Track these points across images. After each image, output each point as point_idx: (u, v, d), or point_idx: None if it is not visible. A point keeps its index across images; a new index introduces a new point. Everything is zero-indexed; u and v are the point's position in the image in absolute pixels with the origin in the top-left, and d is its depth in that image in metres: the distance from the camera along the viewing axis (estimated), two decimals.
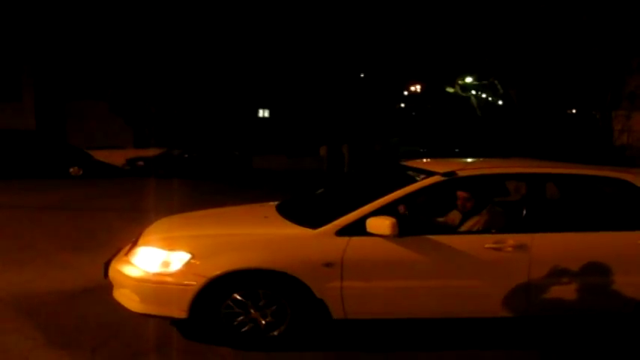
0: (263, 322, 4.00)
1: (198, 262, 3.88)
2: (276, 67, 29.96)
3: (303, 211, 4.55)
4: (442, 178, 4.20)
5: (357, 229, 3.94)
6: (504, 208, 4.44)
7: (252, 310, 3.97)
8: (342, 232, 3.95)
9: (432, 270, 3.98)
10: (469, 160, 5.06)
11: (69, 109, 26.34)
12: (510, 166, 4.57)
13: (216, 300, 3.91)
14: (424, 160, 5.27)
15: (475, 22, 19.32)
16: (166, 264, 3.93)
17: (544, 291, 4.10)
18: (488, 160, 4.86)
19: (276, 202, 5.00)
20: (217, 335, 4.00)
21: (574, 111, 26.35)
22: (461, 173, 4.25)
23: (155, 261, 3.98)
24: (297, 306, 3.96)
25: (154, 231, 4.43)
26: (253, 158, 22.95)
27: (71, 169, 18.33)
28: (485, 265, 4.02)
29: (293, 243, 3.97)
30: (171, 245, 4.01)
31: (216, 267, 3.85)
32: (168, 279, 3.89)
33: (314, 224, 4.04)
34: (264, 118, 34.85)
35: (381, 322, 4.28)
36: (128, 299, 4.05)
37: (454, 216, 4.70)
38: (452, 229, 4.49)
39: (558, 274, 4.09)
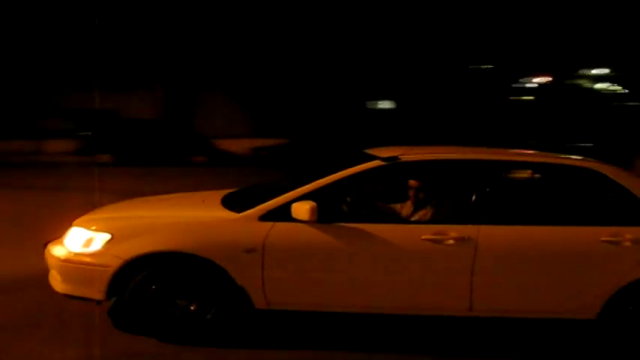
0: (192, 308, 3.81)
1: (116, 244, 3.73)
2: (396, 56, 28.65)
3: (247, 197, 4.32)
4: (382, 163, 3.87)
5: (283, 214, 3.68)
6: (456, 197, 4.04)
7: (177, 296, 3.80)
8: (266, 216, 3.71)
9: (357, 261, 3.67)
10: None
11: (197, 100, 26.66)
12: (463, 152, 4.16)
13: (137, 283, 3.76)
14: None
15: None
16: (88, 244, 3.81)
17: (490, 289, 3.70)
18: (465, 148, 4.43)
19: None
20: (145, 321, 3.85)
21: None
22: (404, 158, 3.91)
23: (79, 241, 3.87)
24: (218, 293, 3.75)
25: (92, 212, 4.34)
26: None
27: (195, 157, 18.41)
28: (421, 257, 3.66)
29: (214, 227, 3.76)
30: (96, 225, 3.89)
31: (133, 249, 3.69)
32: (88, 259, 3.77)
33: (243, 209, 3.82)
34: (383, 110, 32.63)
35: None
36: (54, 279, 3.98)
37: (407, 207, 4.34)
38: (394, 220, 4.13)
39: (507, 271, 3.68)
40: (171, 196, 5.02)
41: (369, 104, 31.17)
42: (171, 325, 3.80)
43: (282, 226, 3.67)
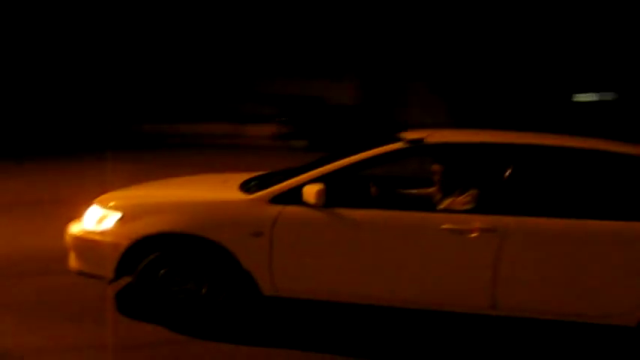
0: (200, 293, 3.70)
1: (126, 223, 3.67)
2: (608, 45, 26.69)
3: (268, 179, 4.16)
4: (405, 145, 3.59)
5: (294, 197, 3.48)
6: (483, 184, 3.69)
7: (185, 280, 3.69)
8: (277, 199, 3.52)
9: (368, 249, 3.41)
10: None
11: (397, 89, 26.44)
12: (496, 136, 3.80)
13: (146, 265, 3.67)
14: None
15: None
16: (101, 222, 3.77)
17: (517, 287, 3.35)
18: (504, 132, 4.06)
19: None
20: (154, 306, 3.76)
21: None
22: (429, 140, 3.61)
23: (94, 219, 3.83)
24: (226, 278, 3.61)
25: (117, 190, 4.31)
26: None
27: None
28: (440, 249, 3.37)
29: (222, 208, 3.61)
30: (111, 204, 3.85)
31: (141, 229, 3.60)
32: (99, 237, 3.72)
33: (256, 191, 3.66)
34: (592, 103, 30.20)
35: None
36: (70, 257, 3.97)
37: (431, 194, 4.03)
38: (415, 207, 3.81)
39: (537, 268, 3.32)
40: (200, 176, 4.93)
41: (576, 97, 27.93)
42: (179, 310, 3.70)
43: (292, 210, 3.47)
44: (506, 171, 3.45)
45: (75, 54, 22.38)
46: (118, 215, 3.71)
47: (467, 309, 3.47)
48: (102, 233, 3.73)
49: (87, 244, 3.79)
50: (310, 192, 3.35)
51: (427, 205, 3.90)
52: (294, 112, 19.12)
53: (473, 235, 3.31)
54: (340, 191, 3.53)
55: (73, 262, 3.89)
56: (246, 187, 3.85)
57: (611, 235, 3.29)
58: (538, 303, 3.36)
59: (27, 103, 21.30)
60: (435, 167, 3.86)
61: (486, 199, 3.49)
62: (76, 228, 3.93)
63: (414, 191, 4.22)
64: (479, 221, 3.33)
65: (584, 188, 3.57)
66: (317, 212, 3.42)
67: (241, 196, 3.65)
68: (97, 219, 3.80)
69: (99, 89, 22.97)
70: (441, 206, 3.76)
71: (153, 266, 3.65)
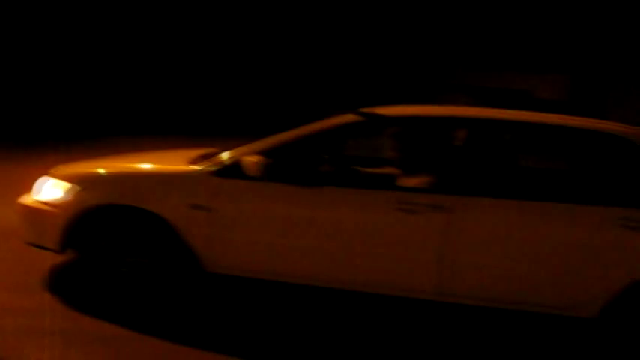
0: (142, 268, 3.58)
1: (72, 194, 3.58)
2: None
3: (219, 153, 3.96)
4: (357, 119, 3.40)
5: (235, 170, 3.33)
6: (437, 161, 3.44)
7: (127, 252, 3.58)
8: (219, 172, 3.39)
9: (311, 227, 3.24)
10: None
11: (610, 88, 26.26)
12: (454, 110, 3.56)
13: (91, 235, 3.59)
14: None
15: None
16: (51, 193, 3.71)
17: (463, 271, 3.12)
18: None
19: None
20: (102, 275, 3.68)
21: None
22: (383, 112, 3.41)
23: (44, 189, 3.78)
24: (167, 251, 3.49)
25: (76, 163, 4.23)
26: None
27: None
28: (384, 227, 3.17)
29: (163, 180, 3.50)
30: (61, 175, 3.78)
31: (84, 200, 3.52)
32: (45, 207, 3.67)
33: (199, 164, 3.53)
34: None
35: None
36: (21, 227, 3.93)
37: (383, 171, 3.81)
38: (363, 184, 3.59)
39: (486, 252, 3.09)
40: (172, 150, 4.80)
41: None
42: (122, 286, 3.60)
43: (232, 183, 3.33)
44: (461, 147, 3.22)
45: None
46: (67, 186, 3.64)
47: (413, 293, 3.25)
48: (49, 203, 3.67)
49: (34, 214, 3.73)
50: (249, 164, 3.20)
51: (378, 183, 3.68)
52: (495, 105, 18.51)
53: (419, 213, 3.09)
54: (287, 165, 3.36)
55: (23, 232, 3.84)
56: (194, 159, 3.73)
57: (571, 219, 3.02)
58: (489, 290, 3.13)
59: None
60: (390, 143, 3.65)
61: (439, 176, 3.26)
62: (26, 198, 3.89)
63: (369, 170, 4.01)
64: (426, 199, 3.11)
65: (545, 167, 3.31)
66: (257, 186, 3.27)
67: (186, 168, 3.53)
68: (47, 190, 3.74)
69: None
70: (389, 183, 3.54)
71: (96, 238, 3.56)
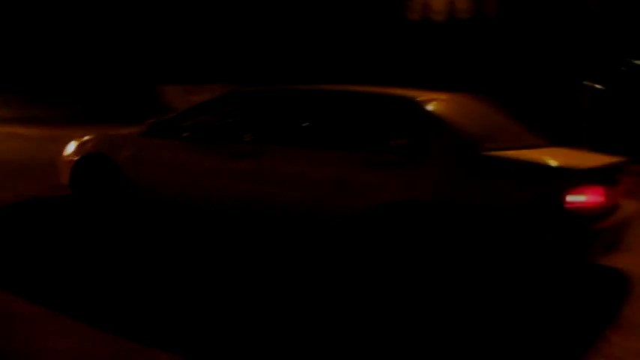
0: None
1: (79, 148, 5.78)
2: None
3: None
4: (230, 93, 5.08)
5: (152, 131, 5.24)
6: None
7: (101, 185, 5.60)
8: (143, 133, 5.30)
9: (178, 167, 5.07)
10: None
11: None
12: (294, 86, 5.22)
13: (85, 174, 5.72)
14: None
15: None
16: (69, 149, 5.96)
17: (269, 202, 4.59)
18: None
19: None
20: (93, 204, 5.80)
21: None
22: (243, 90, 5.06)
23: (69, 148, 6.04)
24: (118, 183, 5.46)
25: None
26: None
27: None
28: (223, 170, 4.78)
29: (118, 139, 5.57)
30: (78, 139, 6.01)
31: (83, 151, 5.69)
32: (65, 158, 5.92)
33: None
34: None
35: None
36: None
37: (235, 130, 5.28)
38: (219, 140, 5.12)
39: (280, 185, 4.50)
40: None
41: None
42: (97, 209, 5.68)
43: (148, 140, 5.26)
44: (282, 113, 4.75)
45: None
46: (77, 144, 5.86)
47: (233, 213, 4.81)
48: (67, 155, 5.91)
49: (60, 164, 6.01)
50: (148, 126, 5.09)
51: (220, 138, 5.19)
52: None
53: (240, 159, 4.63)
54: (165, 126, 5.21)
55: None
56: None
57: (330, 161, 4.31)
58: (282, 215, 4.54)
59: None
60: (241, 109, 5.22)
61: (260, 133, 4.78)
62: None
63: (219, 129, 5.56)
64: (245, 149, 4.65)
65: (328, 125, 4.65)
66: (155, 141, 5.12)
67: (130, 130, 5.51)
68: (70, 148, 6.00)
69: None
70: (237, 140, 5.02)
71: (85, 175, 5.69)
